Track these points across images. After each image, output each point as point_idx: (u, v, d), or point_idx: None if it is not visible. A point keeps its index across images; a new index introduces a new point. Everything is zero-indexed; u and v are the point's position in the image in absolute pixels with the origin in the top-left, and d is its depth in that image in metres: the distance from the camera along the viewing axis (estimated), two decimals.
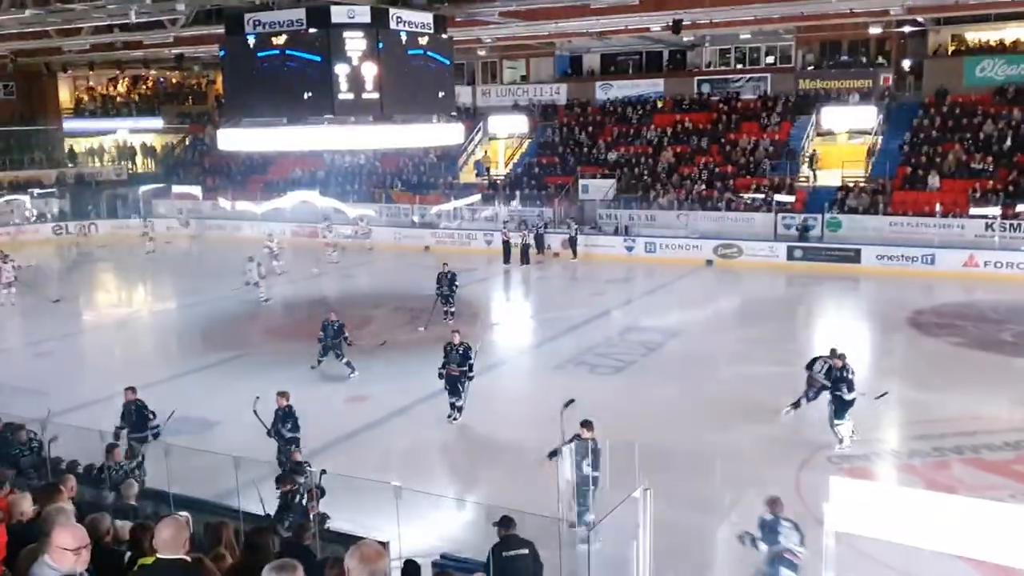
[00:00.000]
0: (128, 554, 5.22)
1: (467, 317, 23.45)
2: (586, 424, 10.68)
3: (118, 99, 47.61)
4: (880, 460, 13.06)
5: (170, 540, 4.32)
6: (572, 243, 30.25)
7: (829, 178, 31.86)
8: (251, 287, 24.69)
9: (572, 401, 10.89)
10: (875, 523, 6.56)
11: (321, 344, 17.55)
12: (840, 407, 13.15)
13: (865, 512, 6.57)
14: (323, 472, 10.36)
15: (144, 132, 46.46)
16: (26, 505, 5.47)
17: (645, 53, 39.48)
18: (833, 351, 13.61)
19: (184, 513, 4.61)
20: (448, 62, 17.46)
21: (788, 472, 12.22)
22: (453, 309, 21.53)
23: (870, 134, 32.91)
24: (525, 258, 29.65)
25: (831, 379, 13.30)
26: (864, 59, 36.19)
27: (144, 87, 48.48)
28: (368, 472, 12.27)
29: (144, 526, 5.52)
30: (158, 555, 4.32)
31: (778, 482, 11.87)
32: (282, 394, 12.45)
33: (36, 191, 40.58)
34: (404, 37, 16.02)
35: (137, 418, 12.64)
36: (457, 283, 21.68)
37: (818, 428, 14.15)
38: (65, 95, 45.43)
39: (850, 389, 13.06)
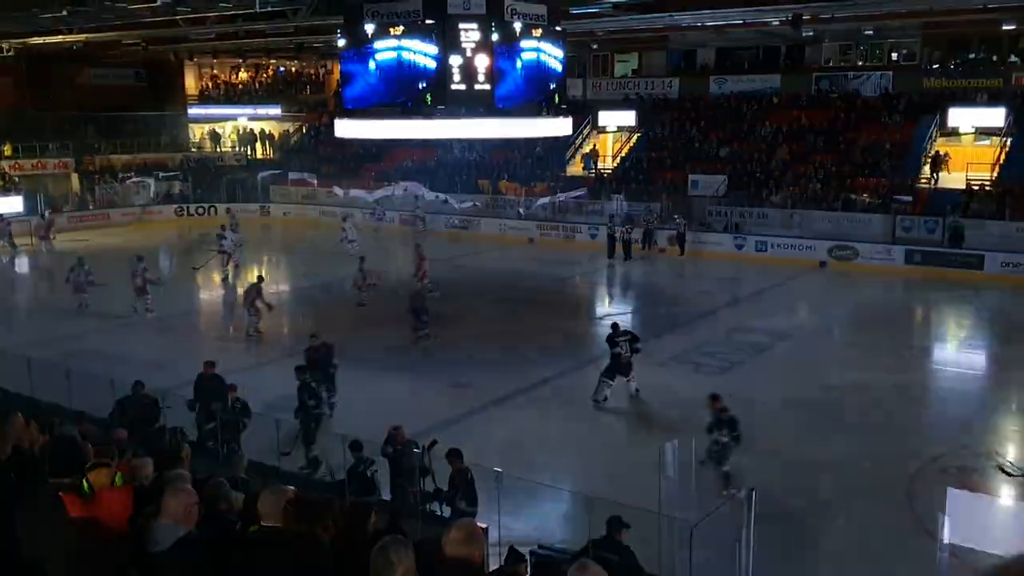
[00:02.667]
0: (238, 524, 5.39)
1: (569, 310, 23.45)
2: (449, 454, 10.16)
3: (240, 87, 49.38)
4: (999, 474, 12.44)
5: (270, 509, 4.43)
6: (680, 239, 29.75)
7: (952, 180, 30.48)
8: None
9: (435, 443, 10.57)
10: (993, 538, 6.29)
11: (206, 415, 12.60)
12: (611, 366, 15.17)
13: (983, 526, 6.31)
14: (434, 442, 10.46)
15: (263, 120, 48.02)
16: (147, 470, 5.73)
17: (762, 48, 38.51)
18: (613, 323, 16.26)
19: (291, 487, 4.75)
20: (561, 54, 17.48)
21: (899, 481, 11.78)
22: (335, 399, 14.58)
23: (998, 135, 31.32)
24: (627, 254, 29.39)
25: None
26: (995, 57, 34.45)
27: (264, 76, 50.11)
28: (467, 459, 12.42)
29: (255, 497, 5.69)
30: (261, 524, 4.44)
31: (888, 492, 11.51)
32: (231, 387, 12.67)
33: (161, 174, 42.49)
34: (518, 28, 16.11)
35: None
36: (336, 360, 15.01)
37: (933, 439, 13.63)
38: (191, 82, 47.36)
39: (618, 349, 15.14)
